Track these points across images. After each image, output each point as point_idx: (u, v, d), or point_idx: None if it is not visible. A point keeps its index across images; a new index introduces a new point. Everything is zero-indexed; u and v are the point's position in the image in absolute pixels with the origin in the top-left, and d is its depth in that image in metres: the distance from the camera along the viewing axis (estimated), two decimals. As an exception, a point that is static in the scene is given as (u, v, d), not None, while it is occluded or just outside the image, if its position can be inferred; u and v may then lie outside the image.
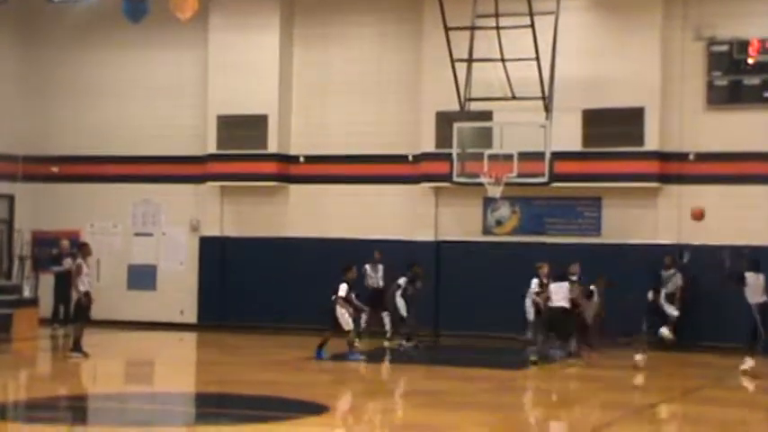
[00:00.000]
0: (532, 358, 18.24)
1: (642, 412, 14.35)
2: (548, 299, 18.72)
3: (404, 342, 20.55)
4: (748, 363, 17.66)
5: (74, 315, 18.95)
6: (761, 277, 17.90)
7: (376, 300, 21.00)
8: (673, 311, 20.97)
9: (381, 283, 21.42)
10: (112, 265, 25.13)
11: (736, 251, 18.66)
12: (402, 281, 20.59)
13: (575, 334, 19.27)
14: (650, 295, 21.12)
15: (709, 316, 21.24)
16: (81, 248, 19.14)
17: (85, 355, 18.57)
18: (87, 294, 18.66)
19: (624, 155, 22.03)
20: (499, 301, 21.29)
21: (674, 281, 21.49)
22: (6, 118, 25.07)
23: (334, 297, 18.71)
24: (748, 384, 17.36)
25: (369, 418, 14.27)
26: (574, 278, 19.34)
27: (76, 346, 18.65)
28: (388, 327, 21.03)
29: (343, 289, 18.63)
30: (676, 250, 21.73)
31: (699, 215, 18.39)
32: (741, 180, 21.65)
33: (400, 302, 20.59)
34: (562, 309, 18.37)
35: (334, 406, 14.01)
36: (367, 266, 21.47)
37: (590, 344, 19.64)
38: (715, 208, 21.80)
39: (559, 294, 18.45)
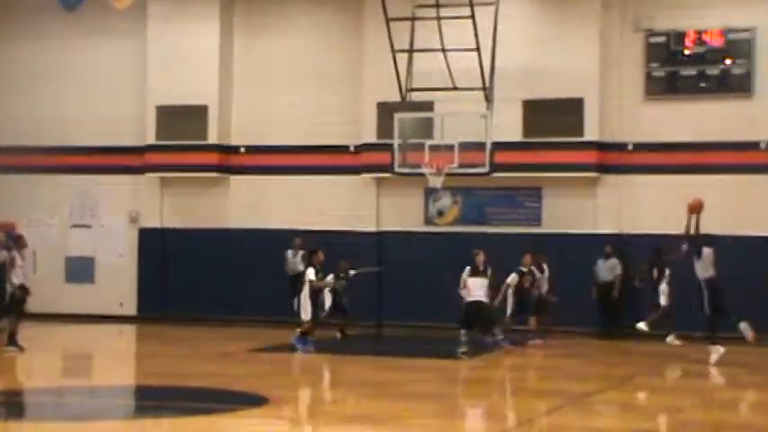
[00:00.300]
0: (462, 350, 18.27)
1: (581, 400, 14.48)
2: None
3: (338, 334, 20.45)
4: (716, 352, 17.68)
5: (8, 308, 18.65)
6: (712, 252, 17.99)
7: (294, 285, 21.06)
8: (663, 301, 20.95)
9: (300, 269, 21.46)
10: (49, 258, 24.78)
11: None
12: (310, 272, 20.26)
13: (511, 318, 19.68)
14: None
15: (645, 305, 21.49)
16: (16, 241, 18.86)
17: (21, 348, 18.30)
18: (22, 287, 18.39)
19: (564, 145, 22.21)
20: (441, 291, 21.35)
21: (614, 270, 21.75)
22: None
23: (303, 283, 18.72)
24: (684, 371, 17.62)
25: (311, 409, 14.24)
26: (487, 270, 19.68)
27: (12, 340, 18.38)
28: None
29: (311, 273, 18.50)
30: (616, 240, 21.98)
31: (697, 207, 18.15)
32: (678, 170, 21.93)
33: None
34: (478, 302, 18.43)
35: (276, 397, 13.94)
36: (288, 252, 21.57)
37: (545, 326, 19.90)
38: (653, 198, 22.13)
39: (477, 288, 18.53)
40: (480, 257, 19.68)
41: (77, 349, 20.99)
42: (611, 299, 21.65)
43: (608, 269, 21.76)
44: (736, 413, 13.60)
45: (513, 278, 20.11)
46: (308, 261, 19.06)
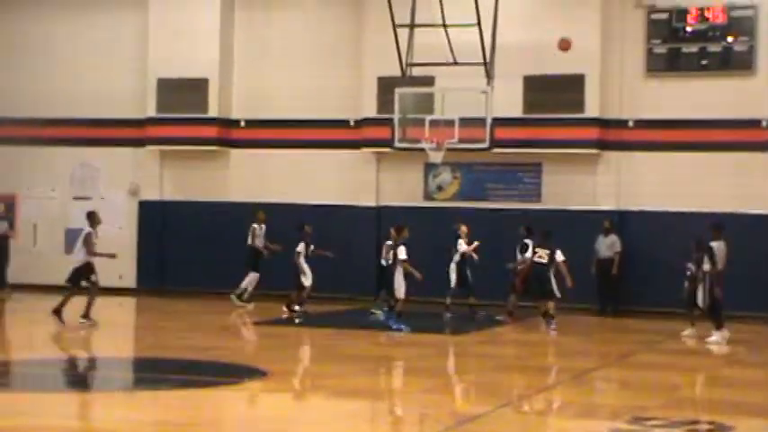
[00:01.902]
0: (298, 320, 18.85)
1: (580, 377, 14.55)
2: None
3: (297, 307, 20.42)
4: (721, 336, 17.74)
5: (80, 282, 18.45)
6: (722, 245, 17.94)
7: (256, 259, 21.46)
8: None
9: (262, 244, 21.61)
10: (50, 230, 24.82)
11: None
12: (300, 246, 20.34)
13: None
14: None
15: (644, 282, 21.56)
16: (90, 217, 18.67)
17: (93, 322, 18.25)
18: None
19: (564, 121, 22.19)
20: (440, 265, 21.36)
21: (614, 246, 21.76)
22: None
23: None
24: (682, 349, 17.70)
25: (310, 382, 14.31)
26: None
27: (86, 314, 18.31)
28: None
29: (402, 252, 18.56)
30: (615, 215, 22.01)
31: (565, 45, 18.51)
32: (679, 147, 21.92)
33: (305, 268, 20.32)
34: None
35: (275, 371, 14.01)
36: (255, 226, 21.63)
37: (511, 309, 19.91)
38: (653, 175, 22.13)
39: None
40: (464, 230, 19.93)
41: (77, 321, 21.03)
42: (610, 276, 21.67)
43: (607, 245, 21.77)
44: (734, 391, 13.67)
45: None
46: (301, 236, 19.20)
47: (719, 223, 18.40)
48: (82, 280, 18.50)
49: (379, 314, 19.81)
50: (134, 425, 11.17)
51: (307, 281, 20.16)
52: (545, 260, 19.34)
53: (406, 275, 18.53)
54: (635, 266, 21.69)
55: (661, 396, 13.02)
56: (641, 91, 22.24)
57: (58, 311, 18.25)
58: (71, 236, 24.80)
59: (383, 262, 19.66)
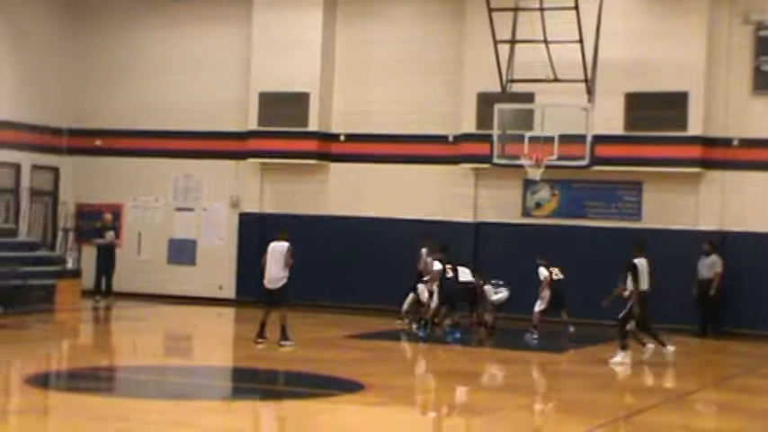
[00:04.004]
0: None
1: (680, 399, 14.30)
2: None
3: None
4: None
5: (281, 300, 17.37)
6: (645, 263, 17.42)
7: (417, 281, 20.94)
8: None
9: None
10: (153, 240, 25.37)
11: None
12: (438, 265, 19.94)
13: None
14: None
15: (747, 304, 21.09)
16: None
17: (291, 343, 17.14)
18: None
19: (666, 139, 21.87)
20: (536, 283, 21.21)
21: (714, 267, 21.33)
22: (52, 92, 25.32)
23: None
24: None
25: (406, 397, 14.34)
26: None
27: (284, 334, 17.24)
28: None
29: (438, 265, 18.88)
30: (718, 236, 21.59)
31: None
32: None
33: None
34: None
35: (371, 383, 14.07)
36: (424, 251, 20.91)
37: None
38: (758, 195, 21.64)
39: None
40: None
41: (178, 330, 21.46)
42: (709, 297, 21.26)
43: (707, 266, 21.36)
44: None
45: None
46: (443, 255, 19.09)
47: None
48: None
49: (414, 327, 19.75)
50: (231, 433, 11.32)
51: (432, 302, 19.33)
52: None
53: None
54: (738, 288, 21.23)
55: (763, 421, 12.72)
56: (747, 109, 21.79)
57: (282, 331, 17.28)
58: (174, 246, 25.39)
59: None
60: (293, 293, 19.88)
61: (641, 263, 17.25)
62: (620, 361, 16.89)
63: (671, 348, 17.28)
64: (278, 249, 17.39)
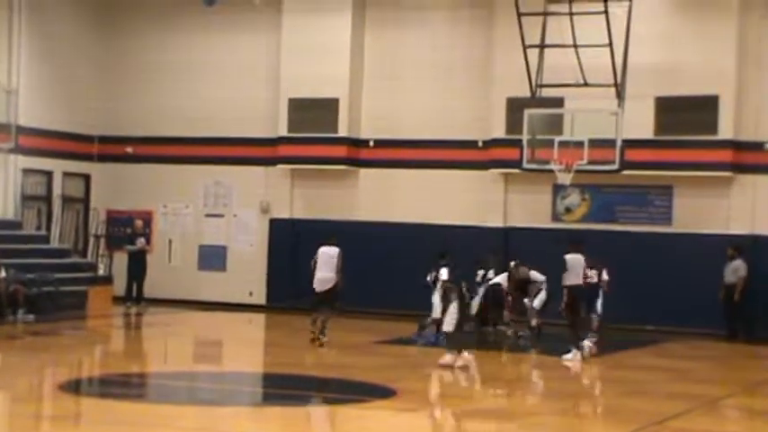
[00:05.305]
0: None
1: (711, 404, 14.21)
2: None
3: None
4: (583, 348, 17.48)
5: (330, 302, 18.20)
6: (581, 258, 17.87)
7: None
8: None
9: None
10: (184, 246, 25.50)
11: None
12: (445, 272, 19.63)
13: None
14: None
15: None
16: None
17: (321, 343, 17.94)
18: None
19: (697, 143, 21.75)
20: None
21: (738, 272, 21.13)
22: (83, 99, 25.53)
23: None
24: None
25: (438, 402, 14.33)
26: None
27: (323, 330, 18.10)
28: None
29: (445, 272, 18.47)
30: (749, 240, 21.43)
31: None
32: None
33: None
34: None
35: (403, 389, 14.07)
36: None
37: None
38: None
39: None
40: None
41: (209, 336, 21.54)
42: (734, 301, 21.09)
43: (731, 271, 21.20)
44: None
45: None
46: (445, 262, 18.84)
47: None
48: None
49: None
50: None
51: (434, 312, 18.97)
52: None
53: (445, 296, 18.36)
54: (763, 292, 21.04)
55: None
56: (779, 113, 21.65)
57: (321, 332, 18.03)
58: (204, 252, 25.51)
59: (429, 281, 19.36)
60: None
61: (572, 258, 17.82)
62: (571, 357, 17.37)
63: (587, 344, 17.74)
64: (328, 253, 18.20)
